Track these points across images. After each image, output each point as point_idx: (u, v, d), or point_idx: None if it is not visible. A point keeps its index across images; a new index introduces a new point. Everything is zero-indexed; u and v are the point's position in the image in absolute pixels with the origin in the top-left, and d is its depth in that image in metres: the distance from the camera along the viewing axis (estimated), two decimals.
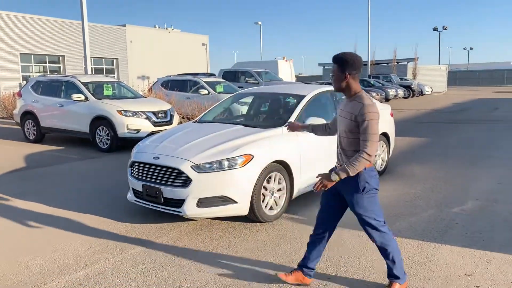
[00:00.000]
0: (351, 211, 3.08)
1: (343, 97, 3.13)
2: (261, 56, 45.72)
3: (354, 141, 2.93)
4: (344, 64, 2.93)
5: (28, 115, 10.95)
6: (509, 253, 3.82)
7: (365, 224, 3.03)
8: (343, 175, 2.86)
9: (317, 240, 3.27)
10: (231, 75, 19.80)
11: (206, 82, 14.30)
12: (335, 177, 2.85)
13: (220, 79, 15.65)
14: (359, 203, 2.98)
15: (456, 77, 59.87)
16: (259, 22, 45.13)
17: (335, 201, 3.16)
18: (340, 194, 3.11)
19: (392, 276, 3.15)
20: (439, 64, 51.00)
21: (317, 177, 2.97)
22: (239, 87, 16.20)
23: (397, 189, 6.01)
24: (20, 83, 24.70)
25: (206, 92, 13.77)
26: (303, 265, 3.30)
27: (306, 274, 3.30)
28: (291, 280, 3.28)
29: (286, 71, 24.45)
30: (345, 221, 4.73)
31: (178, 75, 16.33)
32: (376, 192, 3.02)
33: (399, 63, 41.59)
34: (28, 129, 11.01)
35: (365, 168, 2.91)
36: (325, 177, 2.88)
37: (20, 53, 27.14)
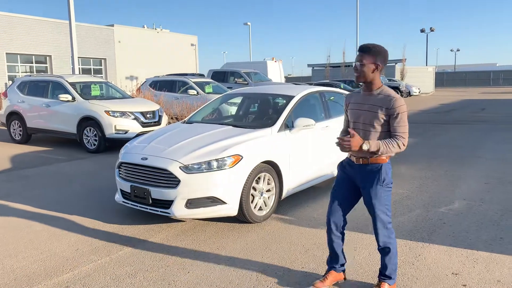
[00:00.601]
0: (365, 204, 3.05)
1: (350, 91, 3.15)
2: (250, 57, 45.72)
3: (375, 134, 2.93)
4: (378, 54, 2.89)
5: (14, 115, 10.80)
6: (496, 252, 3.86)
7: (377, 218, 3.00)
8: (374, 148, 2.83)
9: (333, 234, 3.23)
10: (220, 76, 19.78)
11: (195, 83, 14.25)
12: (366, 146, 2.81)
13: (209, 80, 15.61)
14: (377, 194, 2.96)
15: (443, 78, 60.53)
16: (248, 23, 45.10)
17: (349, 193, 3.15)
18: (354, 187, 3.11)
19: (384, 276, 3.14)
20: (426, 65, 51.52)
21: (342, 138, 2.84)
22: (228, 87, 16.19)
23: None
24: (6, 83, 24.39)
25: (195, 92, 13.72)
26: (332, 263, 3.30)
27: (339, 270, 3.31)
28: (329, 284, 3.25)
29: (275, 72, 24.51)
30: None
31: (166, 75, 16.25)
32: (391, 187, 3.03)
33: (387, 64, 41.89)
34: (14, 129, 10.86)
35: (387, 161, 2.96)
36: (357, 139, 2.81)
37: (6, 53, 26.77)
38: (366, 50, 2.89)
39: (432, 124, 14.40)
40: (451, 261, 3.72)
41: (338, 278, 3.31)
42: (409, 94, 33.86)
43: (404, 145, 2.88)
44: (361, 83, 3.03)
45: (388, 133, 2.94)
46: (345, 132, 3.26)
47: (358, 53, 2.93)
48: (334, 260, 3.29)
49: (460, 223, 4.64)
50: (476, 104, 24.45)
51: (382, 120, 2.89)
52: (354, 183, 3.11)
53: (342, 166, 3.20)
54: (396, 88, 31.13)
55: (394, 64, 41.87)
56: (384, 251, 3.08)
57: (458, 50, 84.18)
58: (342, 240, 3.26)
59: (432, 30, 52.87)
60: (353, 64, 2.97)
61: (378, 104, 2.90)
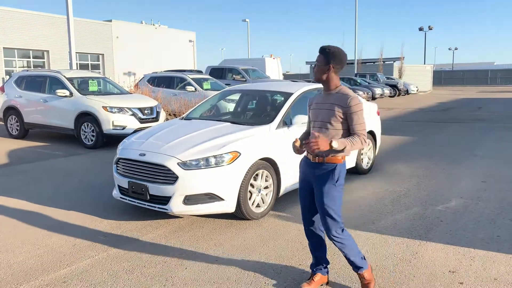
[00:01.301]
0: (317, 203, 3.03)
1: (318, 92, 3.15)
2: (248, 54, 45.66)
3: (333, 132, 2.95)
4: (330, 56, 2.94)
5: (11, 110, 10.77)
6: (492, 250, 3.88)
7: (327, 216, 2.98)
8: (341, 146, 2.82)
9: (313, 237, 3.25)
10: (218, 72, 19.74)
11: (193, 79, 14.22)
12: (335, 144, 2.78)
13: (207, 76, 15.58)
14: (329, 193, 2.96)
15: (441, 77, 60.66)
16: (247, 20, 45.02)
17: (313, 194, 3.14)
18: (312, 188, 3.11)
19: (357, 267, 3.13)
20: (424, 63, 51.59)
21: (308, 141, 2.79)
22: (226, 84, 16.15)
23: (383, 187, 6.06)
24: (3, 78, 24.29)
25: (193, 89, 13.69)
26: (316, 266, 3.30)
27: (324, 273, 3.31)
28: (315, 286, 3.23)
29: (274, 69, 24.47)
30: None
31: (164, 71, 16.20)
32: (343, 189, 3.05)
33: (386, 62, 41.95)
34: (11, 124, 10.82)
35: (342, 162, 2.99)
36: (324, 139, 2.78)
37: (4, 47, 26.65)
38: (321, 51, 2.98)
39: (430, 123, 14.43)
40: (448, 259, 3.73)
41: (323, 281, 3.30)
42: (407, 92, 33.92)
43: (365, 141, 2.90)
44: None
45: (347, 131, 2.96)
46: (307, 134, 3.28)
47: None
48: (318, 263, 3.29)
49: (457, 221, 4.65)
50: (473, 103, 24.50)
51: (340, 118, 2.92)
52: (309, 181, 3.11)
53: (300, 165, 3.21)
54: (394, 86, 31.17)
55: (392, 62, 41.93)
56: (342, 247, 3.05)
57: (456, 48, 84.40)
58: (323, 242, 3.26)
59: (431, 29, 52.90)
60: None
61: (335, 103, 2.94)
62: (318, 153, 2.97)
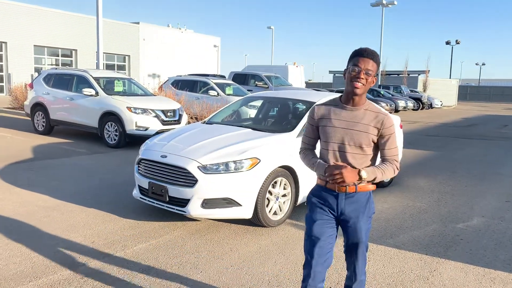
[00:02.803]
0: (349, 239, 2.56)
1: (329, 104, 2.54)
2: (271, 61, 45.78)
3: (363, 158, 2.45)
4: (379, 66, 2.45)
5: (38, 106, 11.03)
6: None
7: (360, 255, 2.60)
8: (371, 177, 2.39)
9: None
10: (241, 78, 19.85)
11: (216, 84, 14.34)
12: (365, 174, 2.36)
13: (230, 81, 15.68)
14: (365, 228, 2.52)
15: (467, 92, 59.56)
16: (272, 27, 45.19)
17: (333, 230, 2.54)
18: (335, 222, 2.54)
19: None
20: (450, 78, 50.78)
21: (331, 168, 2.35)
22: (248, 90, 16.24)
23: (402, 202, 5.97)
24: (32, 75, 24.94)
25: (216, 93, 13.81)
26: None
27: None
28: None
29: (296, 77, 24.46)
30: None
31: (188, 75, 16.39)
32: None
33: (410, 75, 41.46)
34: (37, 120, 11.09)
35: (375, 188, 2.56)
36: (351, 171, 2.33)
37: (34, 45, 27.40)
38: (375, 59, 2.39)
39: (453, 138, 14.18)
40: (467, 279, 3.65)
41: None
42: (431, 106, 33.42)
43: (398, 169, 2.47)
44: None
45: (375, 157, 2.52)
46: (309, 151, 2.63)
47: (360, 57, 2.38)
48: None
49: (478, 241, 4.55)
50: (499, 120, 23.97)
51: (372, 142, 2.45)
52: (333, 215, 2.52)
53: (316, 196, 2.56)
54: (418, 100, 30.76)
55: (417, 75, 41.41)
56: (359, 284, 2.69)
57: (483, 64, 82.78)
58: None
59: (458, 43, 52.14)
60: (354, 69, 2.36)
61: (370, 123, 2.43)
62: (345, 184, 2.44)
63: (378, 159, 2.54)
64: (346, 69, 2.44)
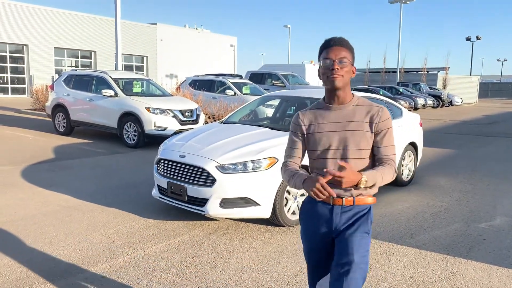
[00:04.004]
0: (340, 256, 2.10)
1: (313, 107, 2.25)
2: (288, 59, 45.68)
3: (363, 161, 2.13)
4: (353, 53, 2.16)
5: (59, 108, 11.24)
6: None
7: (352, 275, 2.06)
8: (371, 182, 2.01)
9: None
10: (257, 77, 19.86)
11: (233, 83, 14.38)
12: (365, 179, 1.98)
13: (247, 81, 15.71)
14: (361, 246, 2.10)
15: (488, 89, 58.41)
16: (288, 25, 45.08)
17: (329, 252, 2.28)
18: (331, 238, 2.22)
19: None
20: (470, 74, 49.86)
21: (333, 172, 1.90)
22: (265, 89, 16.24)
23: (423, 201, 5.89)
24: (53, 77, 25.41)
25: (233, 93, 13.85)
26: None
27: None
28: None
29: (313, 75, 24.34)
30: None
31: (205, 75, 16.47)
32: None
33: (429, 72, 40.85)
34: (58, 121, 11.29)
35: (375, 201, 2.21)
36: (353, 173, 1.93)
37: (54, 47, 27.91)
38: (345, 45, 2.11)
39: (474, 136, 13.91)
40: (491, 279, 3.58)
41: None
42: (451, 103, 32.87)
43: (396, 171, 2.13)
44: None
45: (372, 158, 2.18)
46: (293, 158, 2.26)
47: (328, 48, 2.09)
48: None
49: (501, 241, 4.46)
50: None
51: (370, 141, 2.13)
52: (327, 232, 2.20)
53: (308, 212, 2.23)
54: (437, 97, 30.28)
55: (436, 72, 40.78)
56: None
57: (505, 60, 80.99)
58: None
59: (479, 39, 51.19)
60: (325, 62, 2.08)
61: (362, 119, 2.12)
62: (340, 193, 2.13)
63: None
64: (318, 68, 2.15)
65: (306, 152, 2.25)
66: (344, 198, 2.11)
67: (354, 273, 2.05)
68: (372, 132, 2.12)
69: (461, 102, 35.14)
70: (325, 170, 1.92)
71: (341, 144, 2.11)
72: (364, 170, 2.10)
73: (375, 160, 2.17)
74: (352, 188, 2.09)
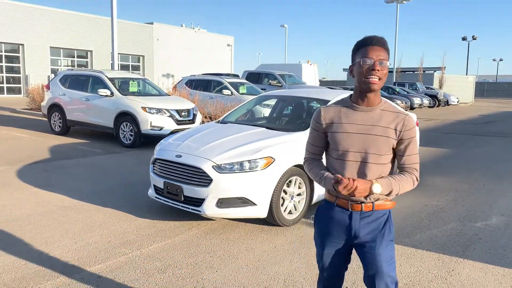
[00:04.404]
0: (368, 267, 2.12)
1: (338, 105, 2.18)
2: (285, 59, 45.72)
3: (384, 167, 2.08)
4: (389, 56, 2.07)
5: (55, 107, 11.20)
6: None
7: (389, 286, 2.11)
8: (386, 191, 2.00)
9: None
10: (254, 77, 19.85)
11: (230, 83, 14.36)
12: (378, 188, 1.96)
13: (244, 81, 15.69)
14: (387, 253, 2.10)
15: (484, 89, 58.61)
16: (285, 25, 45.11)
17: (344, 259, 2.24)
18: (347, 245, 2.18)
19: None
20: (466, 74, 50.02)
21: (342, 180, 1.94)
22: (262, 89, 16.23)
23: (419, 201, 5.90)
24: (48, 76, 25.32)
25: (230, 92, 13.83)
26: None
27: None
28: None
29: (310, 75, 24.36)
30: None
31: (202, 74, 16.45)
32: None
33: (426, 72, 40.95)
34: (54, 121, 11.25)
35: (395, 205, 2.19)
36: (364, 182, 1.95)
37: (50, 47, 27.80)
38: (384, 44, 2.03)
39: (470, 136, 13.95)
40: (487, 279, 3.59)
41: None
42: (447, 103, 32.96)
43: (418, 180, 2.12)
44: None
45: (392, 170, 2.15)
46: (315, 162, 2.23)
47: (370, 47, 2.01)
48: None
49: (497, 240, 4.47)
50: None
51: (392, 148, 2.08)
52: (346, 239, 2.15)
53: (325, 216, 2.20)
54: (433, 97, 30.37)
55: (432, 71, 40.88)
56: None
57: (501, 60, 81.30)
58: None
59: (474, 39, 51.34)
60: (365, 62, 1.99)
61: (388, 125, 2.06)
62: (359, 198, 2.06)
63: None
64: (352, 65, 2.08)
65: (326, 151, 2.22)
66: (363, 204, 2.07)
67: (384, 283, 2.09)
68: (395, 139, 2.06)
69: (457, 102, 35.24)
70: (338, 178, 1.94)
71: (363, 147, 2.05)
72: (383, 176, 2.06)
73: (397, 167, 2.14)
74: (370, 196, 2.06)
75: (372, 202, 2.07)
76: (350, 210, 2.09)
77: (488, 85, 61.02)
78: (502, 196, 6.21)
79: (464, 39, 52.14)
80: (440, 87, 38.55)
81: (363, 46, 2.01)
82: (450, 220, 5.07)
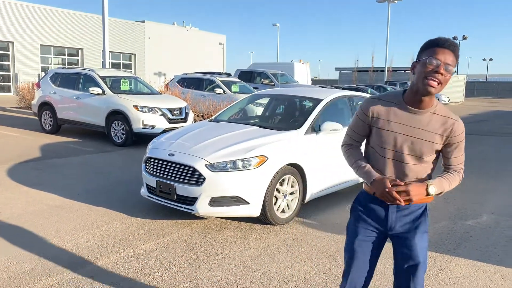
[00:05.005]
0: (403, 259, 2.17)
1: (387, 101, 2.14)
2: (277, 58, 45.73)
3: (423, 169, 2.11)
4: (456, 63, 2.02)
5: (45, 106, 11.09)
6: None
7: (418, 280, 2.16)
8: (439, 191, 2.08)
9: None
10: (247, 76, 19.83)
11: (222, 82, 14.33)
12: (433, 190, 2.04)
13: (236, 79, 15.67)
14: (423, 245, 2.15)
15: (474, 88, 59.10)
16: (277, 24, 45.12)
17: (377, 249, 2.24)
18: (381, 238, 2.22)
19: None
20: (457, 73, 50.42)
21: (396, 184, 2.02)
22: (254, 87, 16.22)
23: None
24: (39, 74, 25.08)
25: (222, 91, 13.81)
26: None
27: None
28: None
29: (302, 74, 24.41)
30: None
31: (194, 73, 16.40)
32: None
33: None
34: (45, 120, 11.15)
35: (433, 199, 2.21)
36: (418, 186, 2.02)
37: (40, 45, 27.54)
38: (455, 49, 1.97)
39: None
40: (478, 276, 3.62)
41: None
42: None
43: (463, 176, 2.21)
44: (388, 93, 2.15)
45: (434, 168, 2.19)
46: (354, 149, 2.29)
47: (440, 48, 1.95)
48: None
49: (487, 238, 4.52)
50: (508, 116, 23.77)
51: (436, 151, 2.12)
52: (381, 230, 2.21)
53: (362, 206, 2.24)
54: None
55: None
56: None
57: (491, 59, 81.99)
58: None
59: (465, 38, 51.73)
60: (431, 62, 1.93)
61: (435, 131, 2.06)
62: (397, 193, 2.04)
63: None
64: (416, 62, 2.02)
65: (367, 140, 2.24)
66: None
67: (420, 273, 2.14)
68: (441, 143, 2.09)
69: (448, 101, 35.50)
70: (396, 182, 2.01)
71: (405, 148, 2.07)
72: (427, 176, 2.13)
73: (443, 166, 2.20)
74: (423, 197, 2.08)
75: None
76: (387, 203, 2.12)
77: (479, 85, 61.56)
78: (492, 195, 6.28)
79: (455, 38, 52.46)
80: None
81: (433, 46, 1.97)
82: (442, 219, 5.11)
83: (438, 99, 33.61)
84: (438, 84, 1.94)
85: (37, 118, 11.57)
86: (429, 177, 2.15)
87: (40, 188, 5.90)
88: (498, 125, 17.88)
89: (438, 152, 2.14)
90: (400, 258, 2.18)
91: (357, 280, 2.24)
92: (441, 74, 1.92)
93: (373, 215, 2.19)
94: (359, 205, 2.25)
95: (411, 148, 2.07)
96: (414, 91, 2.05)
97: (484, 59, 78.02)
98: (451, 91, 39.40)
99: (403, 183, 2.02)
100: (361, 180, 5.97)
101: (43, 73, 24.16)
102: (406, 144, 2.07)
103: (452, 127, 2.07)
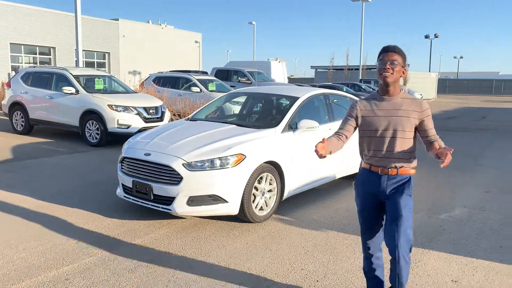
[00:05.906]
0: (391, 217, 2.75)
1: (364, 96, 2.92)
2: (254, 56, 45.75)
3: (407, 141, 2.74)
4: (405, 59, 2.79)
5: (16, 106, 10.80)
6: (495, 261, 3.87)
7: (406, 229, 2.71)
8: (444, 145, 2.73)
9: (375, 260, 3.01)
10: (223, 74, 19.78)
11: (199, 80, 14.25)
12: (442, 143, 2.75)
13: (213, 78, 15.61)
14: (407, 205, 2.75)
15: (446, 85, 60.51)
16: (253, 22, 45.10)
17: (379, 212, 2.90)
18: (380, 203, 2.86)
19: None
20: (429, 71, 51.51)
21: (443, 151, 2.57)
22: (231, 86, 16.19)
23: None
24: (9, 73, 24.40)
25: (198, 90, 13.73)
26: None
27: None
28: None
29: (279, 72, 24.50)
30: (332, 224, 4.75)
31: (170, 71, 16.24)
32: None
33: None
34: (16, 120, 10.86)
35: (414, 173, 2.85)
36: (447, 150, 2.58)
37: (10, 43, 26.77)
38: (398, 51, 2.75)
39: None
40: (451, 268, 3.72)
41: None
42: None
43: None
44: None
45: (415, 143, 2.80)
46: (335, 133, 2.88)
47: (384, 52, 2.74)
48: None
49: (460, 231, 4.64)
50: (477, 112, 24.46)
51: (414, 126, 2.75)
52: (377, 195, 2.84)
53: (361, 182, 2.92)
54: None
55: None
56: (403, 264, 2.74)
57: (461, 57, 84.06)
58: (382, 265, 3.03)
59: (436, 37, 52.87)
60: (380, 63, 2.73)
61: (410, 109, 2.74)
62: (387, 165, 2.75)
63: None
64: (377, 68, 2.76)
65: (358, 131, 2.88)
66: (390, 169, 2.76)
67: (403, 225, 2.71)
68: (417, 119, 2.74)
69: (421, 98, 36.23)
70: (443, 151, 2.58)
71: (390, 126, 2.74)
72: (409, 149, 2.76)
73: (426, 140, 2.77)
74: (403, 162, 2.76)
75: (396, 168, 2.76)
76: (380, 174, 2.78)
77: (450, 82, 63.04)
78: (463, 189, 6.45)
79: (426, 37, 53.62)
80: (405, 84, 39.31)
81: (381, 53, 2.76)
82: (416, 212, 5.21)
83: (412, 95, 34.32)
84: (391, 74, 2.70)
85: (8, 118, 11.26)
86: (412, 149, 2.77)
87: (12, 190, 5.75)
88: (467, 120, 18.37)
89: (415, 130, 2.77)
90: (388, 215, 2.78)
91: (370, 232, 2.93)
92: (388, 68, 2.69)
93: (371, 185, 2.83)
94: (360, 181, 2.91)
95: (394, 125, 2.72)
96: (380, 84, 2.81)
97: (455, 57, 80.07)
98: (424, 88, 40.24)
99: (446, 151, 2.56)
100: (337, 176, 6.06)
101: (13, 73, 23.53)
102: (391, 123, 2.74)
103: (421, 104, 2.77)
